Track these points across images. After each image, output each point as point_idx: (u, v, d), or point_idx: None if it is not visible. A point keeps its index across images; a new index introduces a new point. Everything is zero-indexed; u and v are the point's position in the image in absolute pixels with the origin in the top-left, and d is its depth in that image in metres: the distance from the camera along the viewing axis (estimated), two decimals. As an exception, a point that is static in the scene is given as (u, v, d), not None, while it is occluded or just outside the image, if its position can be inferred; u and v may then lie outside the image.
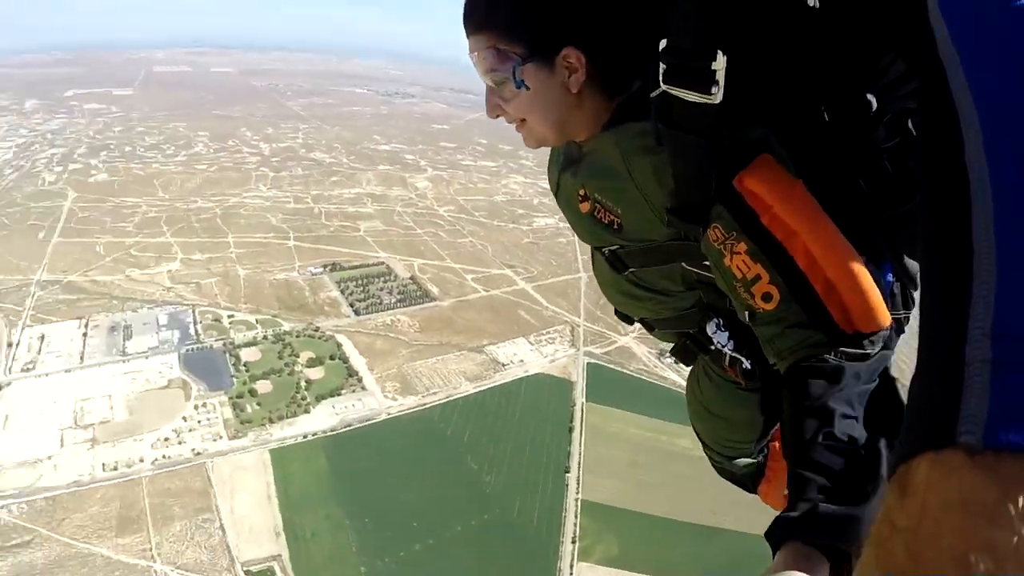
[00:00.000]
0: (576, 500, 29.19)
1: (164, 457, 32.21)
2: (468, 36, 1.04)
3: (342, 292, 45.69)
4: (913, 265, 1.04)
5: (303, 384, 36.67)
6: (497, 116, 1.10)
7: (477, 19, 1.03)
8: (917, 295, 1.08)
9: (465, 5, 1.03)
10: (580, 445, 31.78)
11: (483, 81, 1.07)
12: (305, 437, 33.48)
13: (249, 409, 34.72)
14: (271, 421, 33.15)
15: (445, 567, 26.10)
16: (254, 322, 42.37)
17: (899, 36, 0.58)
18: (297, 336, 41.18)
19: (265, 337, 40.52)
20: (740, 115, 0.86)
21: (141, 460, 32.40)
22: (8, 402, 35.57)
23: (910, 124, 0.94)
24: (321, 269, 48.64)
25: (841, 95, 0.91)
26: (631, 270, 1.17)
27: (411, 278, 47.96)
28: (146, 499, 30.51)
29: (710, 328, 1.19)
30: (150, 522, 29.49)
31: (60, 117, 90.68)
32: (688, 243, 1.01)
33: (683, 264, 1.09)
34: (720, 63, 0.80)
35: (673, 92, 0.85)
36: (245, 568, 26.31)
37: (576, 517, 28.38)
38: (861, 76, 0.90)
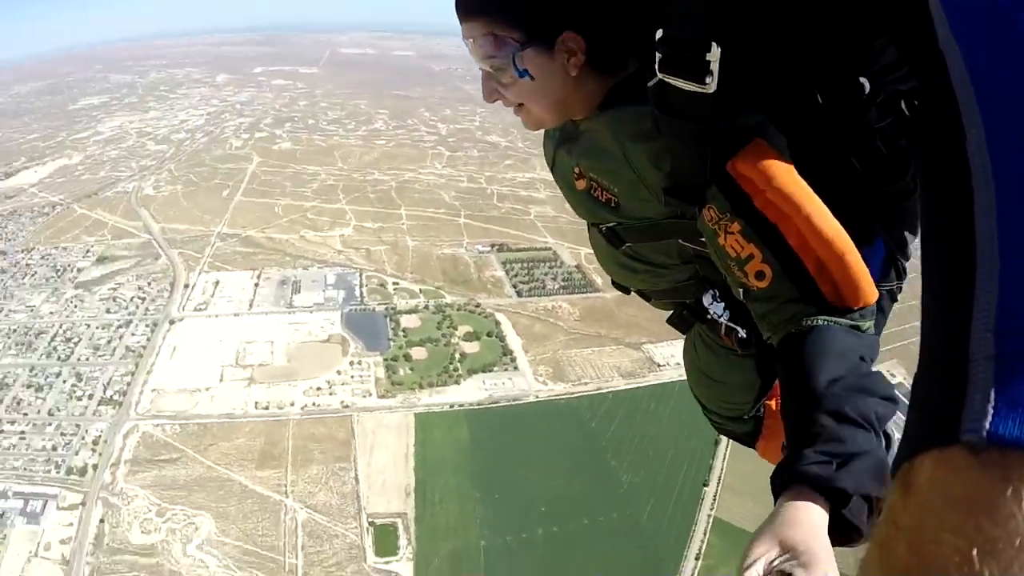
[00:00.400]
0: (709, 516, 32.62)
1: (314, 404, 38.90)
2: (462, 22, 1.23)
3: (507, 272, 54.91)
4: (905, 238, 1.34)
5: (457, 356, 43.23)
6: (495, 100, 1.31)
7: (473, 5, 1.22)
8: (910, 264, 1.38)
9: None
10: (724, 460, 34.75)
11: (479, 66, 1.26)
12: (451, 407, 38.96)
13: (401, 372, 41.90)
14: (421, 387, 40.38)
15: (563, 556, 30.16)
16: (417, 291, 50.70)
17: (892, 23, 0.68)
18: (458, 310, 48.64)
19: (426, 307, 48.63)
20: (735, 101, 1.07)
21: (292, 404, 39.20)
22: (178, 335, 46.37)
23: (903, 104, 1.16)
24: (488, 248, 58.80)
25: (835, 79, 1.12)
26: (628, 245, 1.43)
27: (576, 266, 54.98)
28: (290, 440, 36.61)
29: (706, 299, 1.45)
30: (290, 461, 35.39)
31: (249, 90, 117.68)
32: (685, 221, 1.24)
33: (679, 240, 1.34)
34: (715, 54, 0.97)
35: (669, 81, 1.04)
36: (370, 519, 31.79)
37: (705, 534, 31.77)
38: (854, 60, 1.11)
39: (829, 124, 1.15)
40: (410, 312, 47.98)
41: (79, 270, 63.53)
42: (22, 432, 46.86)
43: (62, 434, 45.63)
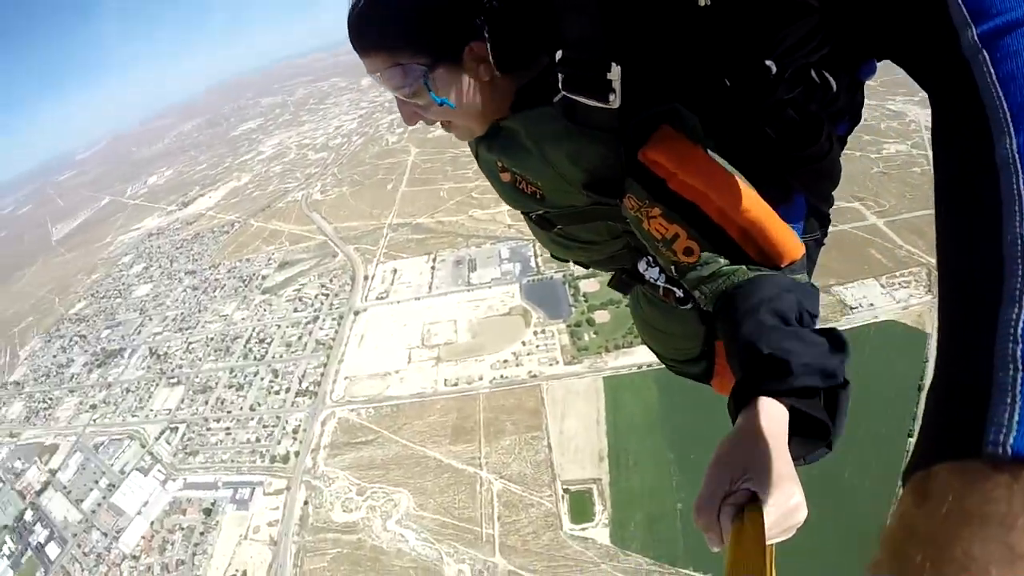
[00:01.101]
0: (916, 472, 30.58)
1: (501, 377, 45.15)
2: (362, 57, 1.42)
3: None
4: (825, 190, 1.66)
5: (641, 316, 45.56)
6: (416, 123, 1.55)
7: (370, 40, 1.40)
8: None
9: (351, 28, 1.39)
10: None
11: (392, 95, 1.48)
12: (639, 368, 42.20)
13: (586, 337, 46.48)
14: (607, 350, 44.51)
15: (760, 516, 31.65)
16: (595, 255, 53.58)
17: (894, 28, 0.75)
18: (640, 270, 50.47)
19: (607, 269, 51.36)
20: (642, 104, 1.27)
21: (480, 378, 45.95)
22: (364, 325, 55.08)
23: (812, 73, 1.39)
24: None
25: (740, 67, 1.31)
26: (558, 228, 1.73)
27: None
28: (481, 413, 42.97)
29: (641, 265, 1.75)
30: (482, 434, 41.44)
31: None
32: (609, 206, 1.49)
33: (607, 222, 1.62)
34: (615, 73, 1.14)
35: (574, 98, 1.26)
36: (565, 487, 36.16)
37: (913, 491, 29.81)
38: (758, 48, 1.28)
39: (739, 103, 1.35)
40: (588, 277, 51.77)
41: (264, 277, 79.57)
42: (227, 428, 60.35)
43: (264, 426, 58.03)
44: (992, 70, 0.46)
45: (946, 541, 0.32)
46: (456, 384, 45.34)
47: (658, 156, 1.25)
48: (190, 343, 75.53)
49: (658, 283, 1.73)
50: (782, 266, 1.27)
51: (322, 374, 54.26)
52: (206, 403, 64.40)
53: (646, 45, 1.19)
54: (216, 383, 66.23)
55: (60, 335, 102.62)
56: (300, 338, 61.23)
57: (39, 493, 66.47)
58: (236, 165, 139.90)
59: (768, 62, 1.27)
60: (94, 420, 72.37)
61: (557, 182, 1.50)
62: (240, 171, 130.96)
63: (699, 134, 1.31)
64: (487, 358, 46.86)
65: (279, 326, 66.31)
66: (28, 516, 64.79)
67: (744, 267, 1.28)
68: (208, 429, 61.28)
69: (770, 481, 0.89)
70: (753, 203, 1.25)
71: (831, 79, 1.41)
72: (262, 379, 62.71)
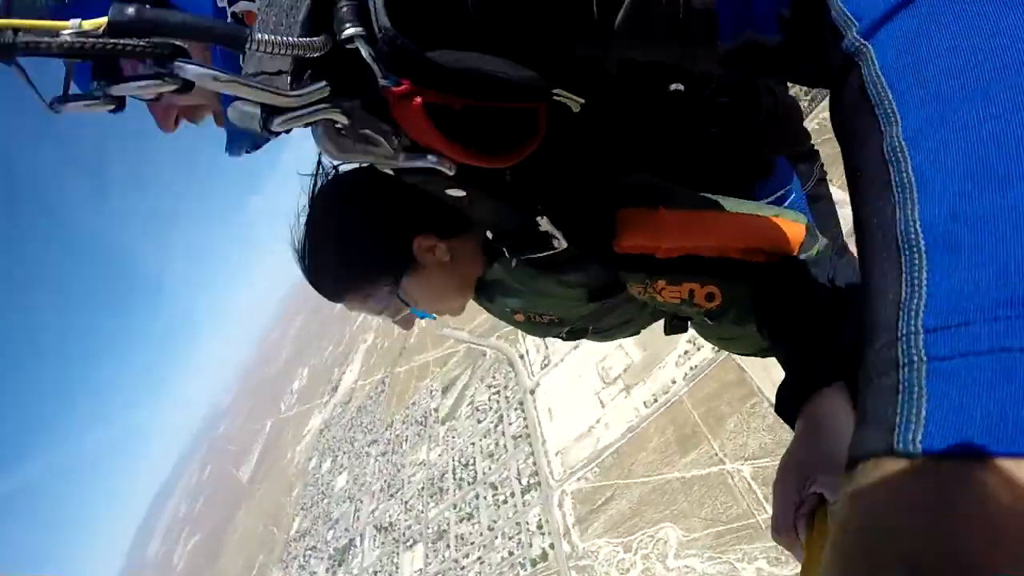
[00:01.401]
0: None
1: (691, 369, 45.90)
2: (335, 302, 1.60)
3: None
4: (792, 139, 1.80)
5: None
6: (412, 327, 1.71)
7: (331, 291, 1.58)
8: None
9: (312, 282, 1.58)
10: None
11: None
12: None
13: None
14: None
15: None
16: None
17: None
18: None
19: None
20: (587, 204, 1.35)
21: (673, 382, 47.03)
22: (545, 398, 59.06)
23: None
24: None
25: (650, 106, 1.39)
26: (591, 332, 1.91)
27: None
28: (693, 412, 43.84)
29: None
30: (705, 431, 42.11)
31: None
32: (621, 296, 1.60)
33: (631, 308, 1.76)
34: (545, 224, 1.23)
35: (527, 257, 1.38)
36: None
37: None
38: (659, 87, 1.37)
39: (669, 131, 1.42)
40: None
41: (435, 410, 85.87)
42: (479, 557, 64.38)
43: (509, 539, 61.65)
44: (876, 62, 0.52)
45: (869, 534, 0.37)
46: (656, 400, 46.97)
47: (631, 242, 1.32)
48: (407, 502, 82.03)
49: (709, 321, 1.75)
50: (796, 253, 1.33)
51: (534, 463, 57.73)
52: (448, 546, 69.52)
53: (553, 188, 1.25)
54: (448, 524, 71.37)
55: (293, 557, 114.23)
56: (497, 443, 65.72)
57: None
58: (355, 331, 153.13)
59: (672, 87, 1.36)
60: (361, 616, 79.89)
61: (563, 304, 1.64)
62: (362, 334, 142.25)
63: (650, 195, 1.39)
64: (667, 360, 48.06)
65: (473, 443, 71.36)
66: None
67: (763, 279, 1.35)
68: (462, 568, 65.46)
69: (835, 479, 0.90)
70: (738, 222, 1.35)
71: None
72: (485, 498, 67.07)
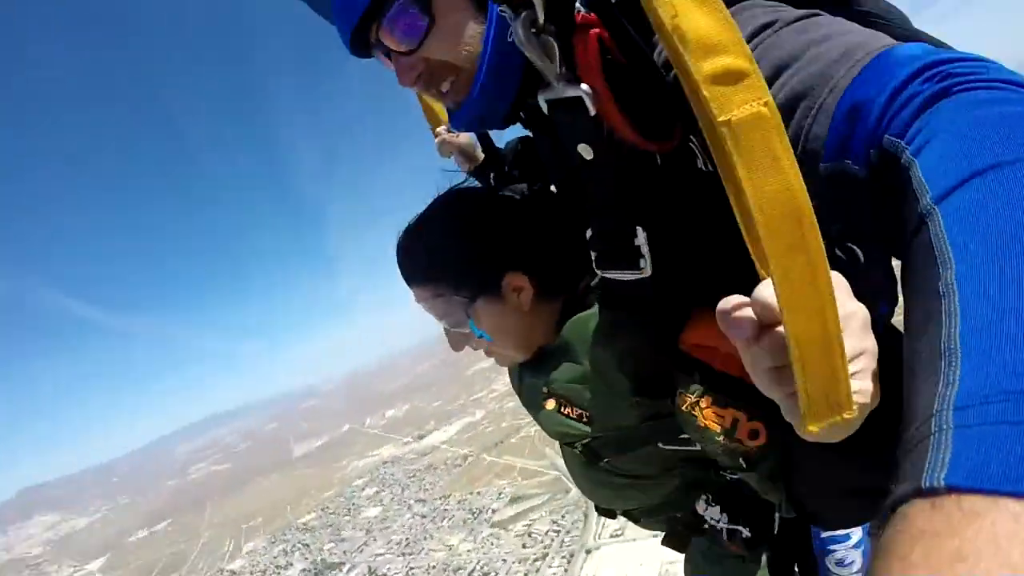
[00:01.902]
0: None
1: None
2: (410, 287, 1.58)
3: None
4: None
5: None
6: (462, 349, 1.64)
7: (416, 274, 1.56)
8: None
9: (398, 259, 1.58)
10: None
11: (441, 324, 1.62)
12: None
13: None
14: None
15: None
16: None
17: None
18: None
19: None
20: (671, 274, 1.24)
21: None
22: (596, 564, 57.38)
23: (836, 250, 1.19)
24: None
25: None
26: (606, 460, 1.61)
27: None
28: None
29: (700, 506, 1.66)
30: None
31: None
32: (662, 421, 1.44)
33: (660, 444, 1.52)
34: (641, 238, 1.16)
35: (609, 276, 1.26)
36: None
37: None
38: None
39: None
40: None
41: (493, 511, 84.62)
42: None
43: None
44: (942, 223, 0.62)
45: (905, 565, 0.42)
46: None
47: (696, 337, 1.24)
48: (411, 568, 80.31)
49: (720, 525, 1.62)
50: None
51: (547, 615, 55.41)
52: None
53: (663, 208, 1.19)
54: (433, 613, 69.73)
55: (285, 539, 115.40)
56: (527, 574, 63.62)
57: None
58: (470, 402, 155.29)
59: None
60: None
61: (606, 397, 1.47)
62: (475, 407, 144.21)
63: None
64: None
65: (505, 560, 68.80)
66: None
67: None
68: None
69: None
70: None
71: (856, 249, 1.22)
72: (488, 618, 65.84)
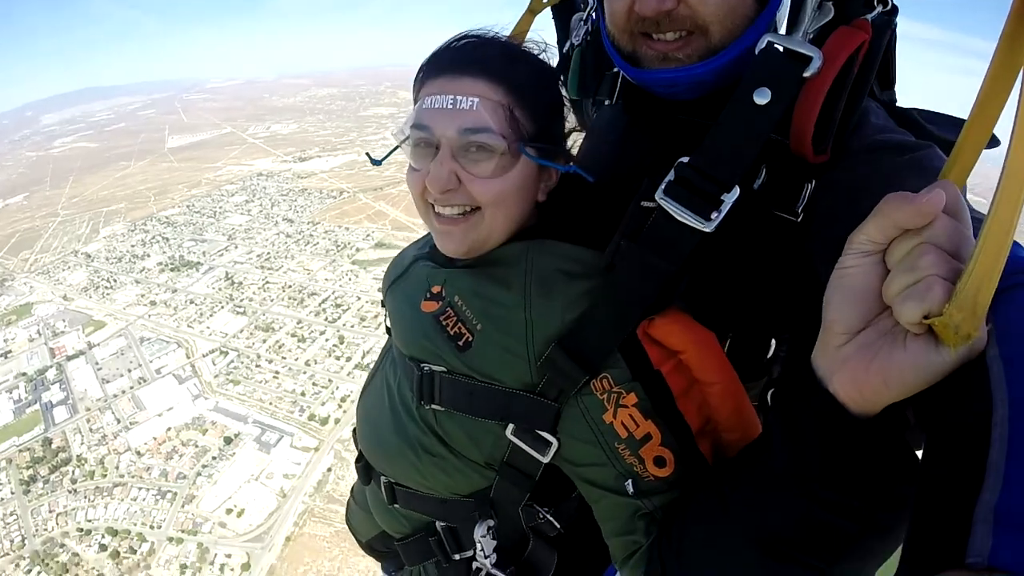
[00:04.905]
0: None
1: None
2: (468, 76, 1.14)
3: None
4: None
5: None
6: (447, 192, 1.13)
7: (492, 65, 1.15)
8: None
9: (475, 40, 1.19)
10: None
11: (448, 138, 1.11)
12: None
13: None
14: None
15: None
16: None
17: None
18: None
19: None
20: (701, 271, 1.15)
21: None
22: None
23: None
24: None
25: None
26: (437, 406, 1.21)
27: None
28: None
29: (479, 530, 1.33)
30: None
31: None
32: (539, 401, 1.13)
33: (509, 429, 1.17)
34: (731, 196, 1.01)
35: (666, 207, 1.03)
36: None
37: None
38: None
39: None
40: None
41: (357, 250, 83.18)
42: (276, 371, 62.97)
43: (313, 384, 60.65)
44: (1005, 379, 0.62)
45: None
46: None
47: (663, 332, 1.09)
48: (268, 282, 79.09)
49: (485, 563, 1.35)
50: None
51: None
52: (264, 342, 67.35)
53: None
54: (280, 327, 69.11)
55: (145, 230, 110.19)
56: (376, 317, 63.13)
57: (70, 359, 70.45)
58: (359, 141, 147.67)
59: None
60: (149, 315, 76.64)
61: (510, 336, 1.13)
62: (362, 148, 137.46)
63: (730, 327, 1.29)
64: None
65: (359, 298, 68.66)
66: (50, 374, 68.65)
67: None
68: (258, 366, 64.04)
69: None
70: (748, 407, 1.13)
71: None
72: (327, 340, 65.13)
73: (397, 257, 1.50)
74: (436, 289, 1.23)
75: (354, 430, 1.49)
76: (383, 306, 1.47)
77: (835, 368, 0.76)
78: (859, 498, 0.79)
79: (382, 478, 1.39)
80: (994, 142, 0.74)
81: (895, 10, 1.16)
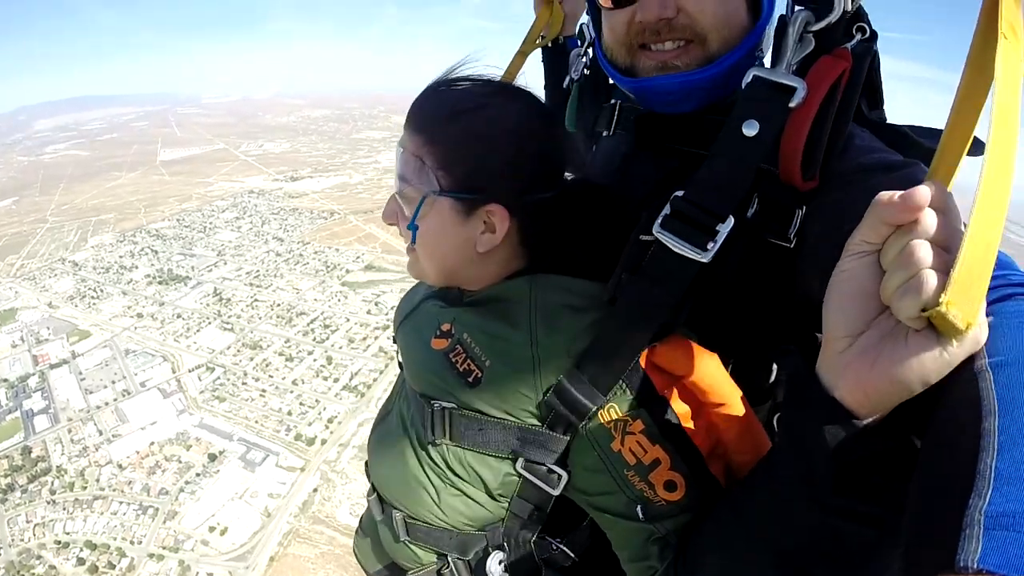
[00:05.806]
0: None
1: None
2: (405, 128, 1.22)
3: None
4: None
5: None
6: (391, 224, 1.26)
7: (420, 121, 1.20)
8: None
9: (421, 96, 1.24)
10: None
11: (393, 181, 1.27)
12: None
13: None
14: None
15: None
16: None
17: None
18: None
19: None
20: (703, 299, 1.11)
21: None
22: None
23: None
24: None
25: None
26: (447, 441, 1.23)
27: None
28: None
29: (491, 563, 1.33)
30: None
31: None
32: (548, 435, 1.14)
33: (520, 464, 1.19)
34: (726, 226, 1.01)
35: (663, 239, 1.04)
36: None
37: None
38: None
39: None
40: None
41: (347, 271, 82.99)
42: (263, 390, 62.17)
43: (301, 404, 59.79)
44: (994, 383, 0.64)
45: None
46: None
47: (665, 359, 1.11)
48: (256, 300, 78.60)
49: None
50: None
51: (376, 380, 55.93)
52: (251, 359, 66.66)
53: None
54: (268, 346, 68.51)
55: (134, 241, 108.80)
56: (364, 339, 63.15)
57: (53, 367, 69.03)
58: (351, 163, 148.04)
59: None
60: (135, 327, 75.49)
61: (519, 371, 1.16)
62: (354, 170, 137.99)
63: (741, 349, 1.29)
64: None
65: (348, 319, 68.44)
66: (32, 382, 67.02)
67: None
68: (244, 384, 63.19)
69: None
70: (755, 426, 1.14)
71: None
72: (315, 360, 64.56)
73: (407, 295, 1.55)
74: (446, 327, 1.27)
75: (366, 463, 1.51)
76: (394, 342, 1.52)
77: (839, 373, 0.77)
78: (872, 503, 0.79)
79: (395, 512, 1.39)
80: (979, 148, 0.70)
81: (874, 36, 1.22)
